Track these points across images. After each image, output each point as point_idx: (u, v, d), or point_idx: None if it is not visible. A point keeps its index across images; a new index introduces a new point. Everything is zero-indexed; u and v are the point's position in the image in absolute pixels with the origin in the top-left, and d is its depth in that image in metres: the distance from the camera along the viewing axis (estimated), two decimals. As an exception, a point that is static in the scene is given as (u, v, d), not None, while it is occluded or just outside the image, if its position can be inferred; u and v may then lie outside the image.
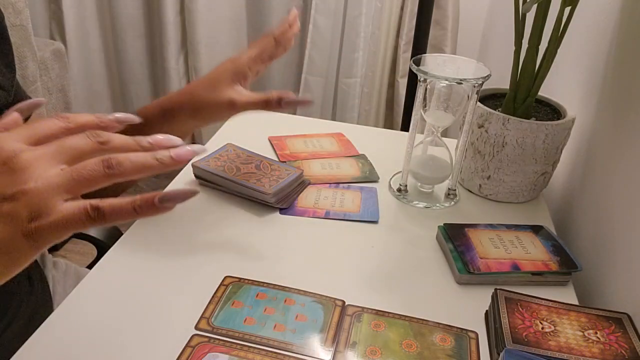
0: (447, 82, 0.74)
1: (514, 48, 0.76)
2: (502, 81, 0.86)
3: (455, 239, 0.71)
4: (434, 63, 0.80)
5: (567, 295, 0.67)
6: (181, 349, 0.54)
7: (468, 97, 0.76)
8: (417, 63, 0.75)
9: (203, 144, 1.17)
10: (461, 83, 0.74)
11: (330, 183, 0.85)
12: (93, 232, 0.83)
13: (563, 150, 0.82)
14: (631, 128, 0.68)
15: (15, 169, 0.38)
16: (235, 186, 0.79)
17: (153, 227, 0.73)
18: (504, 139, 0.78)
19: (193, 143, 0.59)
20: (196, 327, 0.57)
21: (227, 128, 1.01)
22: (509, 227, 0.75)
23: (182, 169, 0.85)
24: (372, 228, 0.77)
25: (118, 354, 0.55)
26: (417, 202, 0.83)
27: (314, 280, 0.65)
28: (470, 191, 0.86)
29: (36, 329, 0.56)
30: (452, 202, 0.83)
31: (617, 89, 0.74)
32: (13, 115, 0.43)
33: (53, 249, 1.70)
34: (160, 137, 0.43)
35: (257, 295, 0.62)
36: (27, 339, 0.54)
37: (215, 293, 0.62)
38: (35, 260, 0.78)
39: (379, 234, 0.76)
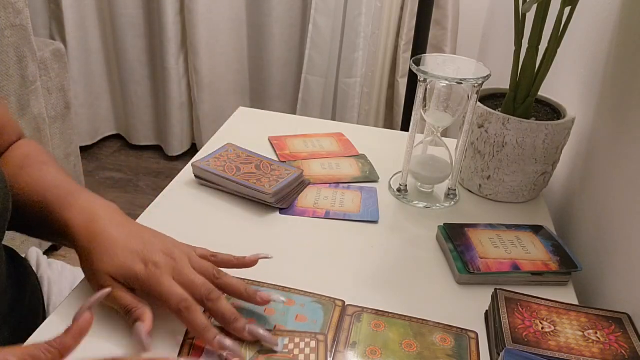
0: (447, 82, 0.74)
1: (514, 48, 0.76)
2: (502, 81, 0.86)
3: (455, 239, 0.71)
4: (434, 63, 0.80)
5: (567, 295, 0.67)
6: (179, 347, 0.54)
7: (468, 97, 0.76)
8: (417, 63, 0.75)
9: (203, 144, 1.17)
10: (461, 83, 0.74)
11: (330, 183, 0.85)
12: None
13: (563, 150, 0.82)
14: (631, 128, 0.68)
15: None
16: (235, 186, 0.79)
17: (152, 228, 0.73)
18: (504, 139, 0.78)
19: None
20: (196, 327, 0.57)
21: (227, 128, 1.01)
22: (509, 227, 0.75)
23: (182, 168, 0.85)
24: (372, 228, 0.77)
25: (116, 355, 0.54)
26: (417, 202, 0.83)
27: (314, 280, 0.65)
28: (470, 191, 0.86)
29: (25, 334, 0.55)
30: (452, 202, 0.83)
31: (617, 89, 0.74)
32: (84, 320, 0.45)
33: (53, 249, 1.70)
34: None
35: (257, 295, 0.62)
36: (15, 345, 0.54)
37: (215, 293, 0.61)
38: (26, 264, 0.78)
39: (379, 234, 0.76)
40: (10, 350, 0.43)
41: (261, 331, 0.53)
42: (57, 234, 0.60)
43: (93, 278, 0.56)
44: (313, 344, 0.54)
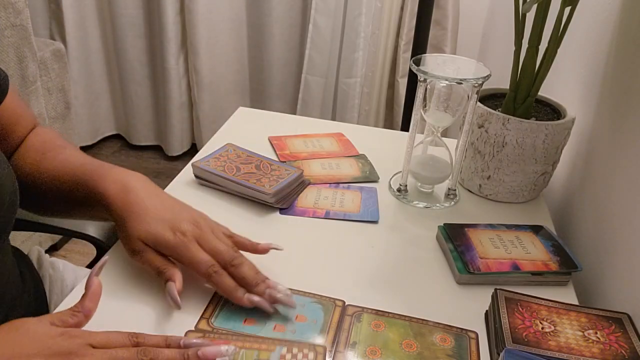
0: (447, 82, 0.74)
1: (514, 48, 0.76)
2: (502, 81, 0.86)
3: (455, 239, 0.71)
4: (434, 63, 0.80)
5: (567, 295, 0.67)
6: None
7: (468, 97, 0.76)
8: (417, 63, 0.75)
9: (203, 144, 1.17)
10: (461, 83, 0.74)
11: (330, 183, 0.85)
12: (93, 231, 0.83)
13: (563, 150, 0.82)
14: (631, 128, 0.68)
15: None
16: (235, 186, 0.79)
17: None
18: (504, 139, 0.78)
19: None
20: (196, 328, 0.57)
21: (227, 128, 1.01)
22: (509, 227, 0.75)
23: (182, 168, 0.85)
24: (372, 228, 0.77)
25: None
26: (417, 202, 0.83)
27: (314, 280, 0.65)
28: (470, 191, 0.86)
29: None
30: (452, 202, 0.83)
31: (617, 89, 0.74)
32: (95, 285, 0.52)
33: (53, 249, 1.70)
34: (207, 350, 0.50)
35: (257, 295, 0.62)
36: None
37: (215, 293, 0.61)
38: (28, 261, 0.78)
39: (379, 234, 0.76)
40: (41, 317, 0.49)
41: (280, 295, 0.58)
42: (92, 206, 0.64)
43: (127, 242, 0.60)
44: (311, 355, 0.54)
